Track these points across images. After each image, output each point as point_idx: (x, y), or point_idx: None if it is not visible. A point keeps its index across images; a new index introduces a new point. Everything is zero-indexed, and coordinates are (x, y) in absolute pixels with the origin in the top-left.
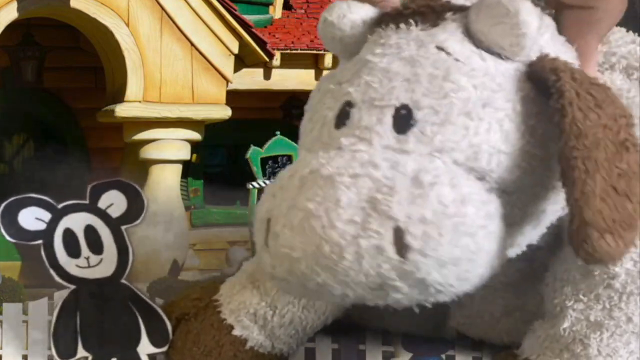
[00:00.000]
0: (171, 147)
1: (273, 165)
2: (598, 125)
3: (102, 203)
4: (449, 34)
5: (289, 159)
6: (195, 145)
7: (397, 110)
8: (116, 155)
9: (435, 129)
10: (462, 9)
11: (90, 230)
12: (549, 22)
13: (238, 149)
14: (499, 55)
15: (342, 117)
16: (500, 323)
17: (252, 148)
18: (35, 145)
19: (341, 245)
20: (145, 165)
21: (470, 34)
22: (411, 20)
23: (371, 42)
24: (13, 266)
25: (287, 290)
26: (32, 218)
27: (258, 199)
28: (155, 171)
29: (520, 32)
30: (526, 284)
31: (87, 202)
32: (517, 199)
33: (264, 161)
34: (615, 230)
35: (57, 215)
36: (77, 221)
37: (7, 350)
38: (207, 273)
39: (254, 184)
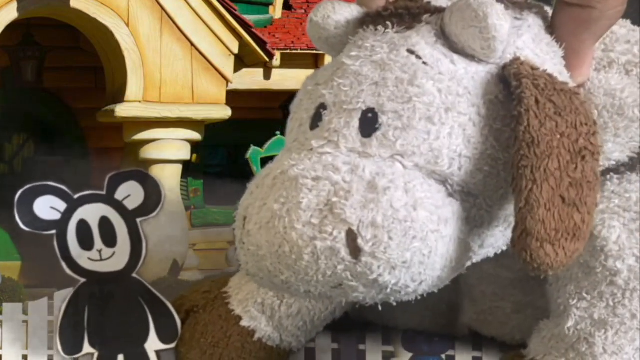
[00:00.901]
0: (171, 147)
1: None
2: (554, 134)
3: (119, 194)
4: (421, 37)
5: None
6: (195, 145)
7: (364, 113)
8: (116, 155)
9: (398, 133)
10: (440, 11)
11: (105, 222)
12: (532, 22)
13: (238, 149)
14: (472, 57)
15: (316, 119)
16: (512, 320)
17: (252, 148)
18: (35, 145)
19: (299, 245)
20: (145, 165)
21: (445, 36)
22: (388, 22)
23: (351, 43)
24: (13, 266)
25: (262, 285)
26: (47, 207)
27: None
28: (155, 171)
29: (489, 35)
30: (533, 281)
31: (104, 192)
32: (482, 201)
33: (264, 161)
34: (557, 241)
35: (73, 206)
36: (92, 212)
37: (7, 350)
38: (207, 273)
39: None
